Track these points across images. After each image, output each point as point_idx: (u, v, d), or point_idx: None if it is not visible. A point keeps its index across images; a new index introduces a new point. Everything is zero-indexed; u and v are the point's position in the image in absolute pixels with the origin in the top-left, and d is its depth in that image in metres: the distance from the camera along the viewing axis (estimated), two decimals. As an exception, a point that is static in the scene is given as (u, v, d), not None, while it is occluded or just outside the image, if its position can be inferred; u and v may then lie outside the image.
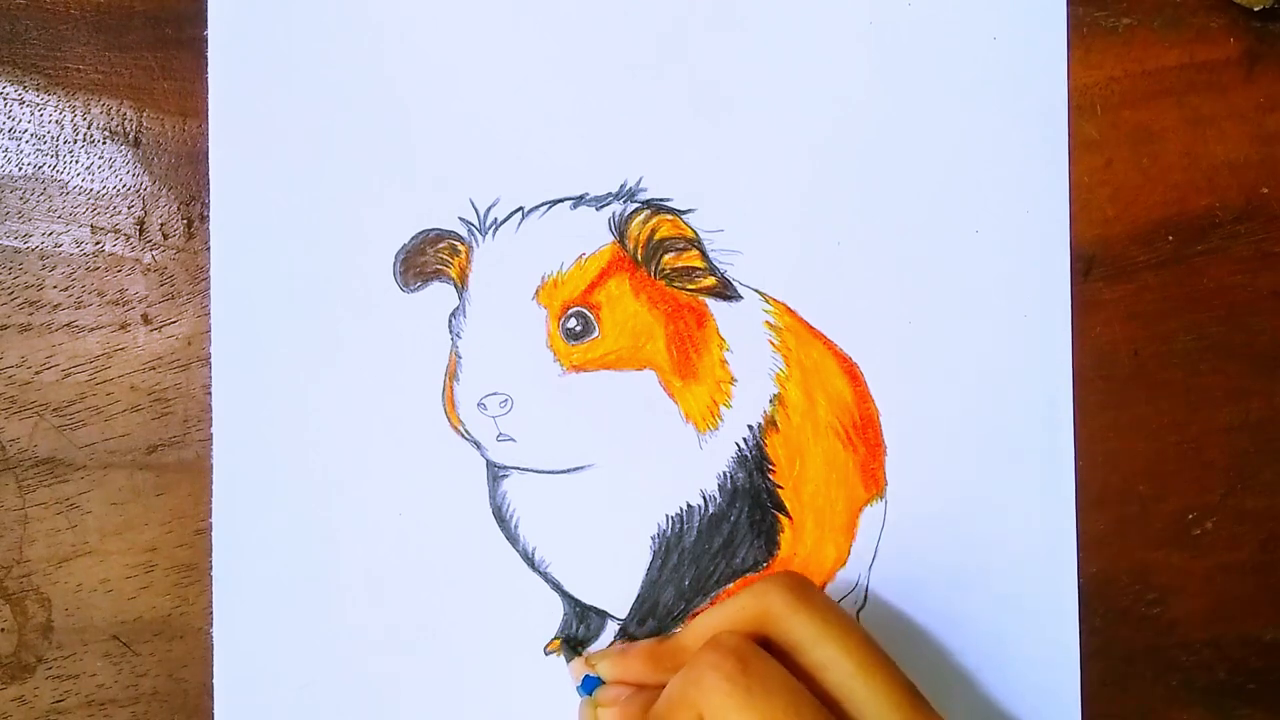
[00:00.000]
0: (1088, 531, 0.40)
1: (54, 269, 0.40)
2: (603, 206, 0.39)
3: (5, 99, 0.40)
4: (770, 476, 0.40)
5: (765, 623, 0.34)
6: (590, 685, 0.38)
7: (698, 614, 0.37)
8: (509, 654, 0.40)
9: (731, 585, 0.40)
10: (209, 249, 0.40)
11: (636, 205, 0.40)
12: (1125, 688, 0.41)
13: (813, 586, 0.36)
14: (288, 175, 0.40)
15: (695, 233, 0.40)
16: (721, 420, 0.39)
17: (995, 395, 0.40)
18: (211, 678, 0.39)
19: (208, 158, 0.40)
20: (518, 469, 0.39)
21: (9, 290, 0.40)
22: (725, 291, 0.40)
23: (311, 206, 0.40)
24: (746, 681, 0.31)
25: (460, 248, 0.40)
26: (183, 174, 0.40)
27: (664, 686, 0.35)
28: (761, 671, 0.32)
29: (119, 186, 0.40)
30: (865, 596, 0.40)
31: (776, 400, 0.40)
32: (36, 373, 0.40)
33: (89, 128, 0.40)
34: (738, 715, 0.31)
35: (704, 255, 0.39)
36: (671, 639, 0.37)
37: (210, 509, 0.39)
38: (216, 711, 0.39)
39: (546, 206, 0.40)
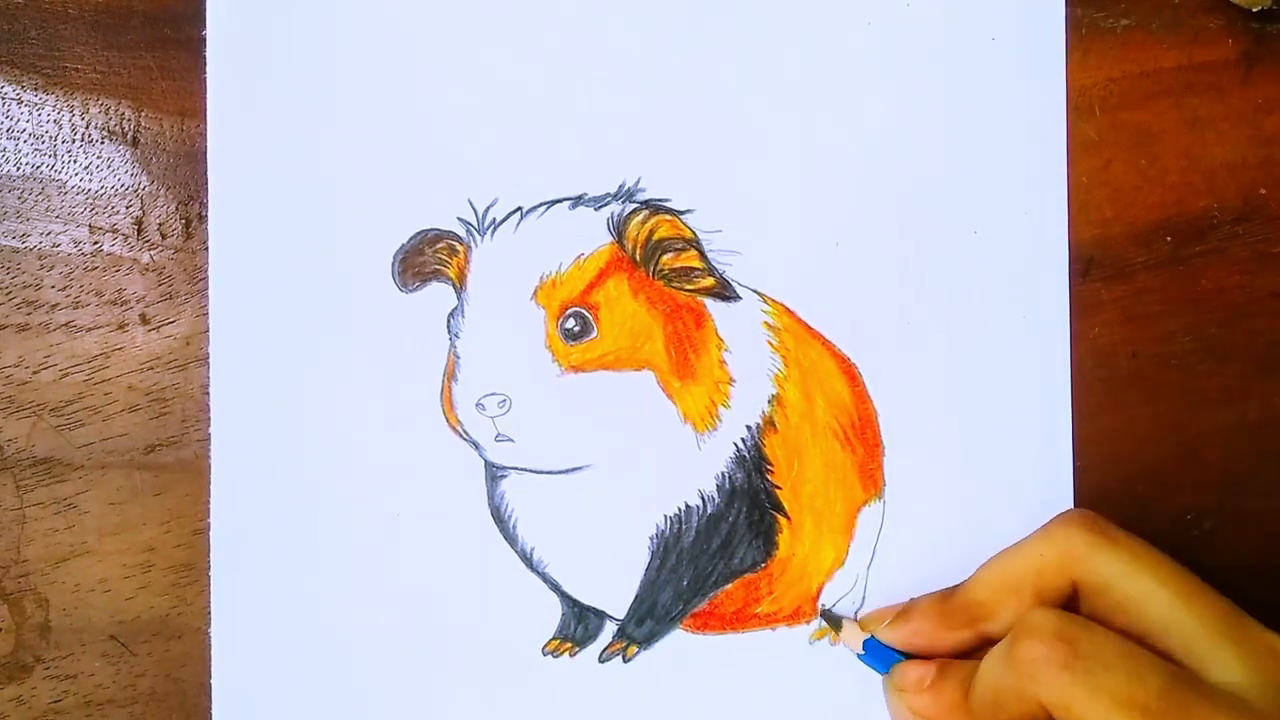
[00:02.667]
0: (1086, 532, 0.40)
1: (52, 269, 0.40)
2: (601, 207, 0.39)
3: (3, 98, 0.40)
4: (768, 477, 0.40)
5: (1068, 566, 0.33)
6: (875, 650, 0.36)
7: (985, 565, 0.35)
8: (507, 654, 0.40)
9: (730, 585, 0.40)
10: (207, 249, 0.40)
11: (635, 205, 0.40)
12: (1123, 688, 0.41)
13: (1106, 520, 0.34)
14: (286, 175, 0.40)
15: (694, 233, 0.40)
16: (720, 421, 0.39)
17: (993, 396, 0.40)
18: (209, 678, 0.39)
19: (206, 157, 0.40)
20: (516, 469, 0.39)
21: (6, 290, 0.40)
22: (724, 292, 0.40)
23: (310, 206, 0.40)
24: (1085, 665, 0.30)
25: (459, 248, 0.40)
26: (181, 174, 0.40)
27: (955, 648, 0.34)
28: (1094, 649, 0.30)
29: (117, 186, 0.40)
30: (864, 597, 0.40)
31: (775, 401, 0.40)
32: (34, 372, 0.40)
33: (87, 127, 0.40)
34: (1085, 702, 0.29)
35: (702, 255, 0.39)
36: (958, 592, 0.36)
37: (208, 509, 0.39)
38: (214, 711, 0.39)
39: (545, 207, 0.40)
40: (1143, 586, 0.32)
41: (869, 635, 0.36)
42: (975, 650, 0.35)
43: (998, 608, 0.34)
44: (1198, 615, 0.31)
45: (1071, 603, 0.34)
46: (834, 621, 0.39)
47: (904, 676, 0.35)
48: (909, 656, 0.36)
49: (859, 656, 0.37)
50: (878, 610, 0.37)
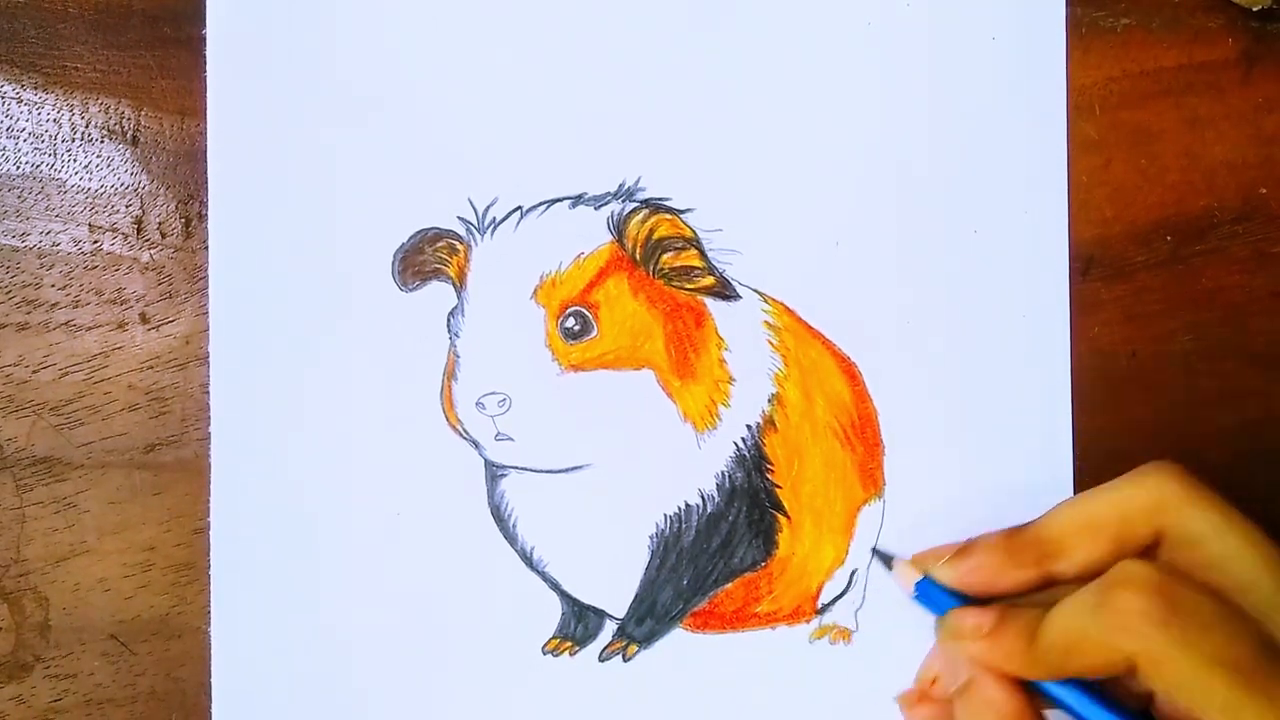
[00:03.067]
0: (1086, 531, 0.40)
1: (52, 268, 0.40)
2: (601, 206, 0.39)
3: (3, 98, 0.40)
4: (768, 476, 0.40)
5: (1159, 514, 0.32)
6: (928, 592, 0.34)
7: (1065, 504, 0.34)
8: (507, 653, 0.40)
9: (729, 585, 0.40)
10: (207, 248, 0.40)
11: (635, 204, 0.40)
12: (1123, 688, 0.41)
13: (1194, 474, 0.33)
14: (286, 174, 0.40)
15: (694, 232, 0.40)
16: (720, 420, 0.39)
17: (993, 395, 0.40)
18: (209, 677, 0.39)
19: (206, 156, 0.40)
20: (516, 468, 0.39)
21: (6, 289, 0.40)
22: (724, 291, 0.40)
23: (310, 205, 0.40)
24: (1181, 622, 0.29)
25: (459, 247, 0.40)
26: (181, 173, 0.40)
27: (1016, 587, 0.32)
28: (1191, 606, 0.29)
29: (117, 185, 0.40)
30: (863, 596, 0.40)
31: (775, 400, 0.40)
32: (34, 371, 0.40)
33: (87, 126, 0.40)
34: (1179, 659, 0.29)
35: (702, 254, 0.39)
36: (1029, 528, 0.34)
37: (208, 508, 0.39)
38: (214, 711, 0.39)
39: (545, 206, 0.40)
40: (1231, 545, 0.31)
41: (922, 576, 0.34)
42: (1033, 592, 0.34)
43: (1073, 548, 0.33)
44: None
45: (1148, 553, 0.33)
46: (886, 559, 0.37)
47: (960, 622, 0.33)
48: (965, 601, 0.34)
49: (912, 597, 0.35)
50: (933, 549, 0.35)
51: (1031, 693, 0.32)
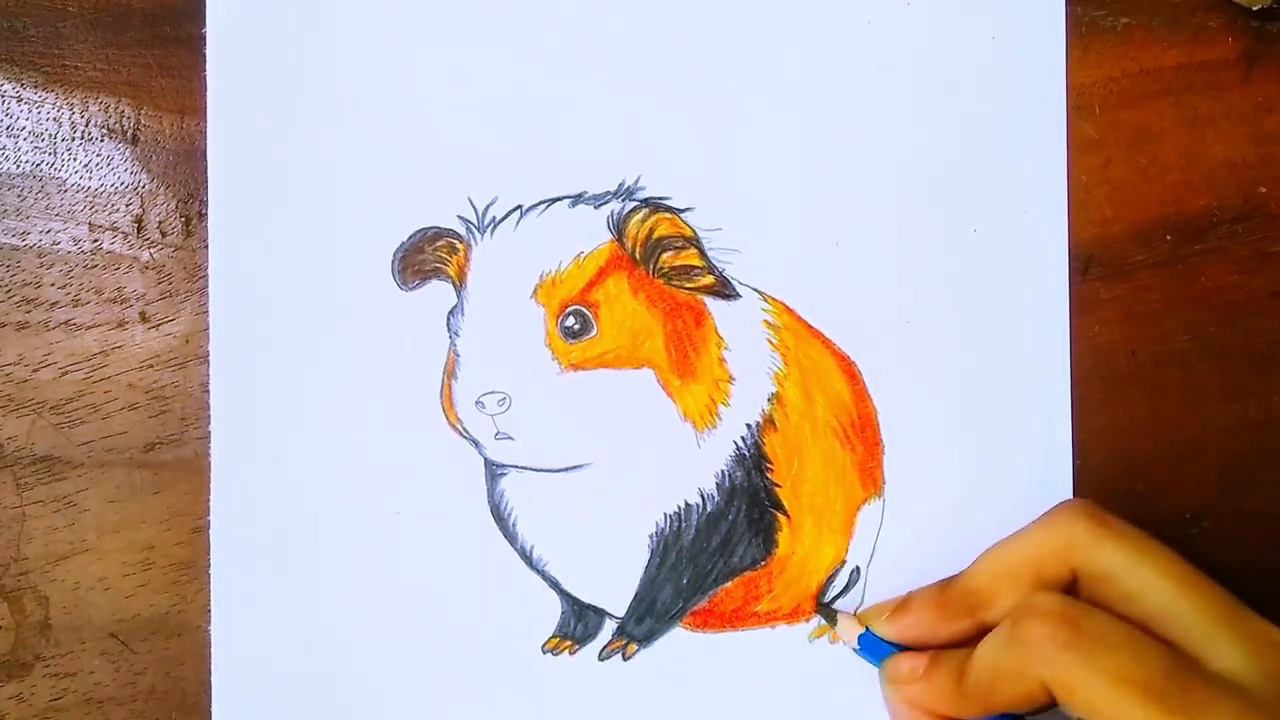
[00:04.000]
0: (1085, 531, 0.40)
1: (52, 267, 0.40)
2: (601, 205, 0.39)
3: (3, 96, 0.40)
4: (768, 475, 0.40)
5: (1070, 554, 0.33)
6: (870, 644, 0.36)
7: (986, 553, 0.35)
8: (507, 652, 0.40)
9: (729, 584, 0.40)
10: (207, 247, 0.40)
11: (635, 203, 0.40)
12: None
13: (1105, 510, 0.34)
14: (286, 173, 0.40)
15: (694, 231, 0.40)
16: (719, 419, 0.39)
17: (993, 395, 0.40)
18: (209, 675, 0.39)
19: (206, 155, 0.40)
20: (516, 467, 0.39)
21: (6, 288, 0.40)
22: (724, 290, 0.40)
23: (310, 204, 0.40)
24: (1088, 645, 0.30)
25: (458, 246, 0.40)
26: (181, 172, 0.40)
27: (953, 638, 0.34)
28: (1097, 630, 0.30)
29: (117, 184, 0.40)
30: (863, 595, 0.40)
31: (775, 399, 0.40)
32: (34, 370, 0.40)
33: (87, 125, 0.40)
34: (1087, 681, 0.29)
35: (702, 254, 0.39)
36: (956, 581, 0.36)
37: (208, 507, 0.39)
38: (214, 709, 0.39)
39: (545, 205, 0.40)
40: (1144, 577, 0.32)
41: (864, 629, 0.37)
42: (972, 640, 0.35)
43: (997, 596, 0.34)
44: (1198, 605, 0.31)
45: (1070, 591, 0.34)
46: (830, 616, 0.39)
47: (896, 668, 0.35)
48: (904, 650, 0.37)
49: (855, 650, 0.37)
50: (875, 605, 0.38)
51: None
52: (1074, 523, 0.33)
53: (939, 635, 0.35)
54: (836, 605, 0.39)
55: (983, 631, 0.34)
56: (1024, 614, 0.32)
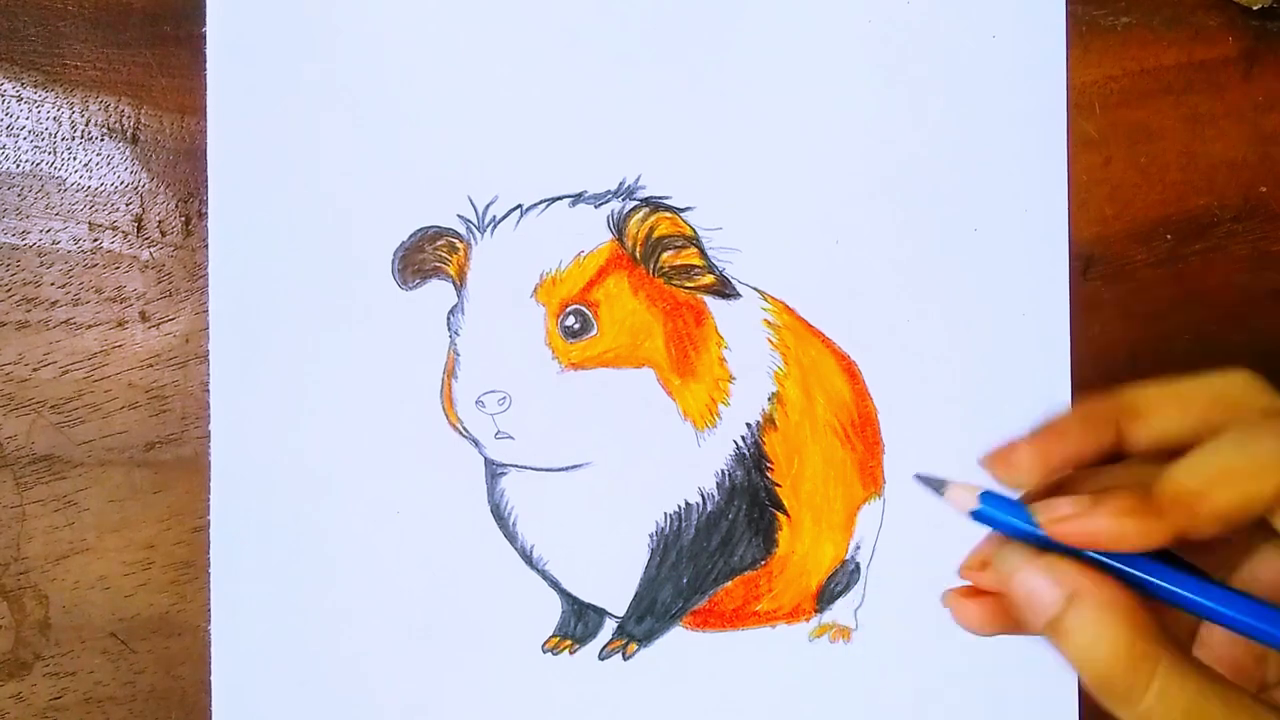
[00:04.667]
0: (1086, 530, 0.40)
1: (52, 266, 0.40)
2: (601, 204, 0.39)
3: (3, 96, 0.40)
4: (768, 474, 0.40)
5: (1244, 402, 0.29)
6: (997, 509, 0.28)
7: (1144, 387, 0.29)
8: (507, 651, 0.40)
9: (729, 583, 0.40)
10: (207, 246, 0.40)
11: (635, 203, 0.40)
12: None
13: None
14: (286, 172, 0.40)
15: (694, 230, 0.40)
16: (720, 418, 0.39)
17: (993, 394, 0.40)
18: (209, 675, 0.39)
19: (206, 155, 0.40)
20: (516, 467, 0.39)
21: (6, 287, 0.40)
22: (724, 289, 0.40)
23: (310, 204, 0.40)
24: None
25: (459, 245, 0.40)
26: (180, 171, 0.40)
27: (1095, 457, 0.28)
28: None
29: (117, 183, 0.40)
30: (863, 595, 0.40)
31: (775, 398, 0.40)
32: (34, 370, 0.40)
33: (87, 125, 0.40)
34: None
35: (702, 253, 0.39)
36: (1105, 398, 0.29)
37: (208, 506, 0.39)
38: (214, 708, 0.39)
39: (545, 204, 0.40)
40: None
41: (982, 490, 0.29)
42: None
43: (1157, 412, 0.29)
44: None
45: None
46: (935, 484, 0.31)
47: (1055, 507, 0.28)
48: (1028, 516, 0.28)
49: (972, 514, 0.29)
50: (995, 451, 0.29)
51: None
52: (1245, 380, 0.29)
53: (1085, 453, 0.29)
54: (930, 472, 0.31)
55: (1113, 456, 0.29)
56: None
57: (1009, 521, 0.28)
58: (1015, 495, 0.29)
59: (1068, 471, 0.29)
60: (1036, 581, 0.28)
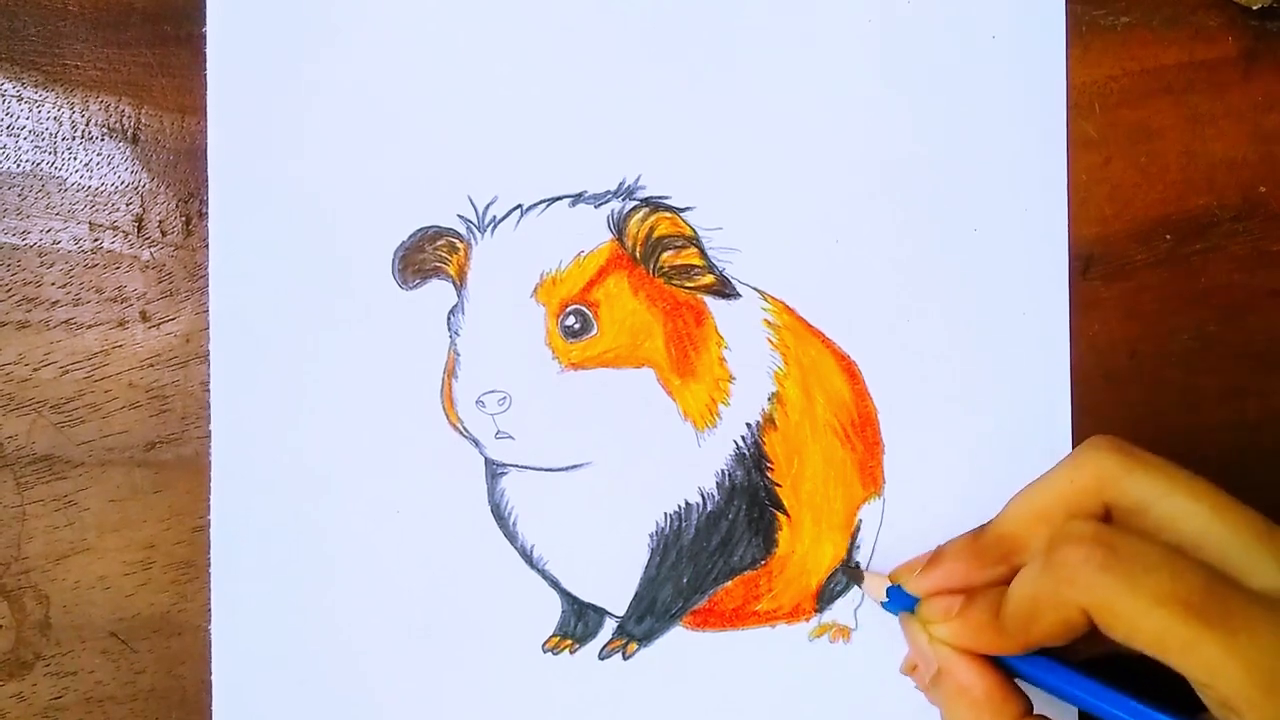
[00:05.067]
0: (1085, 530, 0.40)
1: (52, 266, 0.40)
2: (601, 204, 0.39)
3: (3, 96, 0.40)
4: (768, 474, 0.40)
5: (1101, 489, 0.32)
6: (899, 599, 0.35)
7: (1014, 498, 0.34)
8: (507, 651, 0.40)
9: (729, 583, 0.40)
10: (207, 246, 0.40)
11: (635, 203, 0.40)
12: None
13: (1131, 443, 0.33)
14: (286, 172, 0.40)
15: (694, 230, 0.40)
16: (720, 418, 0.39)
17: (993, 394, 0.40)
18: (210, 674, 0.39)
19: (206, 155, 0.40)
20: (516, 466, 0.40)
21: (7, 287, 0.40)
22: (724, 289, 0.40)
23: (310, 204, 0.40)
24: (1125, 566, 0.29)
25: (459, 245, 0.40)
26: (181, 171, 0.40)
27: (994, 585, 0.33)
28: (1135, 551, 0.30)
29: (117, 183, 0.40)
30: (863, 594, 0.40)
31: (775, 398, 0.40)
32: (34, 370, 0.40)
33: (87, 124, 0.40)
34: (1127, 601, 0.29)
35: (702, 253, 0.39)
36: (987, 530, 0.35)
37: (209, 506, 0.39)
38: (215, 708, 0.39)
39: (545, 204, 0.40)
40: (1177, 504, 0.31)
41: (891, 585, 0.35)
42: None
43: (1031, 537, 0.33)
44: (1233, 527, 0.30)
45: None
46: (855, 575, 0.38)
47: (931, 608, 0.34)
48: None
49: (883, 605, 0.36)
50: (904, 563, 0.36)
51: (1007, 674, 0.33)
52: (1102, 457, 0.33)
53: (974, 584, 0.34)
54: (855, 561, 0.39)
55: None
56: (1059, 541, 0.31)
57: (909, 609, 0.35)
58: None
59: (963, 591, 0.34)
60: (920, 651, 0.34)
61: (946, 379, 0.40)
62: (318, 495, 0.40)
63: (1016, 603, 0.32)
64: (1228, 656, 0.28)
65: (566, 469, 0.40)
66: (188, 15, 0.40)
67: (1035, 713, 0.32)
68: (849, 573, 0.38)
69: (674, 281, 0.39)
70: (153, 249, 0.40)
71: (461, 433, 0.39)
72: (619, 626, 0.40)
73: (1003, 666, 0.33)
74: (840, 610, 0.40)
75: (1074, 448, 0.40)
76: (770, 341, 0.40)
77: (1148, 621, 0.29)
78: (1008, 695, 0.32)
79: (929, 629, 0.34)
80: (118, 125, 0.40)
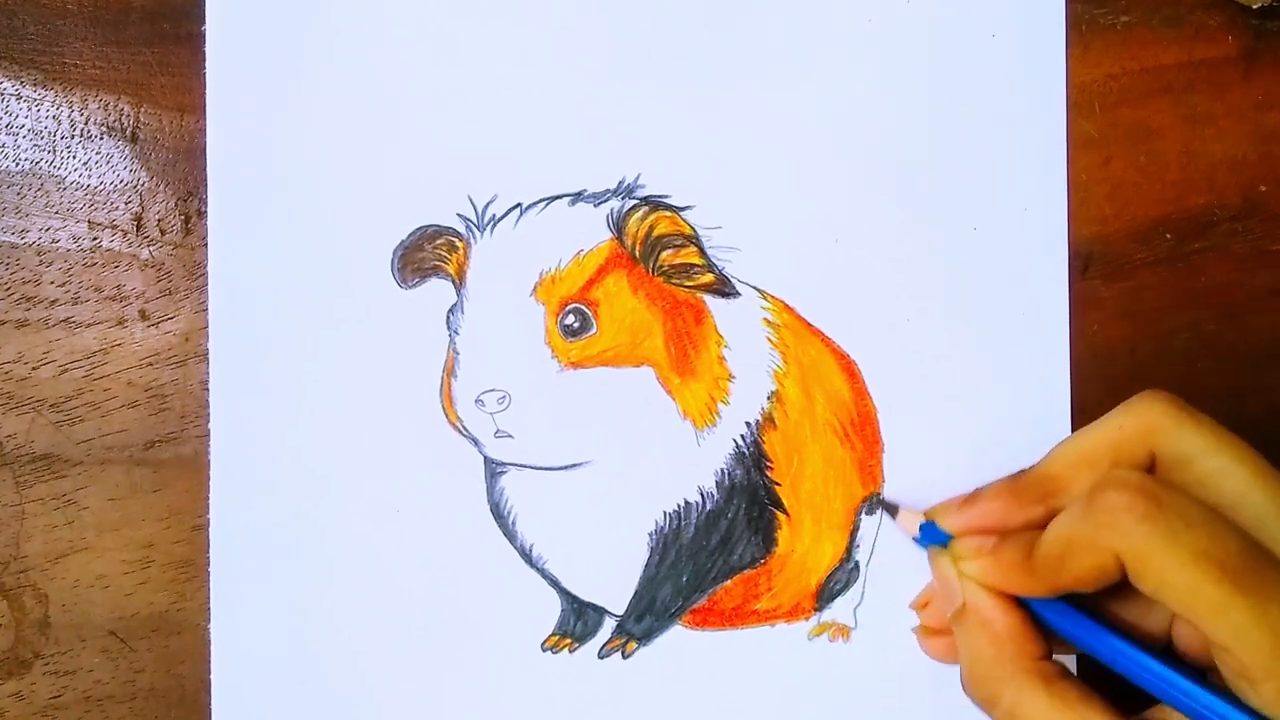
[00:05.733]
0: (1085, 529, 0.40)
1: (51, 264, 0.40)
2: (601, 203, 0.39)
3: (2, 94, 0.40)
4: (768, 473, 0.40)
5: (1150, 437, 0.32)
6: (933, 536, 0.34)
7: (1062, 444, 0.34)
8: (506, 650, 0.40)
9: (729, 582, 0.40)
10: (206, 245, 0.40)
11: (634, 202, 0.40)
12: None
13: (1182, 400, 0.33)
14: (285, 171, 0.40)
15: (693, 229, 0.40)
16: (719, 417, 0.39)
17: (993, 393, 0.40)
18: (209, 673, 0.39)
19: (205, 153, 0.40)
20: (515, 465, 0.40)
21: (6, 286, 0.40)
22: (723, 288, 0.40)
23: (309, 202, 0.40)
24: (1166, 519, 0.29)
25: (458, 244, 0.40)
26: (180, 169, 0.40)
27: (1026, 527, 0.33)
28: (1178, 506, 0.29)
29: (116, 182, 0.40)
30: (863, 593, 0.40)
31: (774, 397, 0.40)
32: (33, 368, 0.40)
33: (86, 123, 0.40)
34: (1163, 554, 0.29)
35: (702, 252, 0.39)
36: (1031, 470, 0.34)
37: (208, 505, 0.39)
38: (214, 707, 0.39)
39: (544, 203, 0.40)
40: (1222, 463, 0.31)
41: (925, 521, 0.35)
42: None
43: (1074, 481, 0.33)
44: (1272, 494, 0.30)
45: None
46: (891, 509, 0.37)
47: (964, 545, 0.34)
48: None
49: (916, 540, 0.35)
50: (942, 502, 0.35)
51: (1033, 618, 0.33)
52: (1155, 407, 0.33)
53: (1011, 524, 0.34)
54: (889, 496, 0.38)
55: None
56: (1104, 485, 0.30)
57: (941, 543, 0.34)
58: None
59: (998, 531, 0.34)
60: (946, 584, 0.34)
61: (946, 378, 0.40)
62: (317, 494, 0.40)
63: (1051, 543, 0.31)
64: (1255, 624, 0.28)
65: (566, 468, 0.40)
66: (187, 14, 0.40)
67: (1054, 658, 0.32)
68: (885, 507, 0.38)
69: (673, 280, 0.39)
70: (152, 248, 0.40)
71: (461, 432, 0.39)
72: (618, 625, 0.40)
73: (1027, 610, 0.33)
74: (840, 609, 0.40)
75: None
76: (770, 340, 0.40)
77: (1181, 577, 0.28)
78: (1030, 636, 0.32)
79: (959, 565, 0.33)
80: (117, 124, 0.40)
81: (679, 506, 0.40)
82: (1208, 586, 0.28)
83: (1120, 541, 0.29)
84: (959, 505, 0.34)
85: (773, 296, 0.40)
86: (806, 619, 0.40)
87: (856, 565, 0.40)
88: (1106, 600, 0.32)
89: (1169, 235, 0.41)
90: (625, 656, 0.40)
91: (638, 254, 0.39)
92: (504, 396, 0.38)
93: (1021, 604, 0.32)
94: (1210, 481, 0.31)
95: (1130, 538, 0.29)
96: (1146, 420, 0.32)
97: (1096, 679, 0.31)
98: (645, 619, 0.40)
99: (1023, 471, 0.34)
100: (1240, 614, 0.28)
